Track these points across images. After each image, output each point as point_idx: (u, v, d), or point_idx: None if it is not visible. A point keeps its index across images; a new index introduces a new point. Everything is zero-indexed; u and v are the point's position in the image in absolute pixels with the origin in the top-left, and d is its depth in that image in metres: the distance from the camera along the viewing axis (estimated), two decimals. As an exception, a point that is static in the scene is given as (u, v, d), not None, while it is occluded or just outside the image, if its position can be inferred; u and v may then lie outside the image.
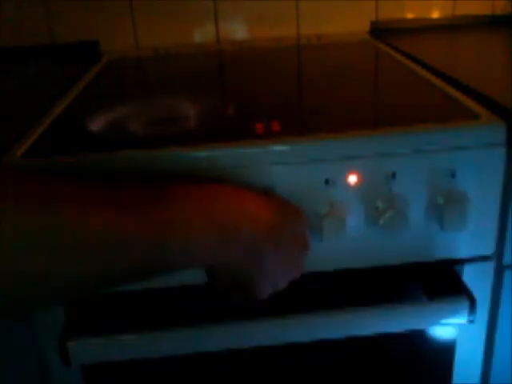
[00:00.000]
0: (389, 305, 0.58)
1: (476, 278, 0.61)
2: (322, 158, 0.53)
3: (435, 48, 0.93)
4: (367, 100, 0.69)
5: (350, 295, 0.60)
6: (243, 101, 0.70)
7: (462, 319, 0.59)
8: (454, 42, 0.99)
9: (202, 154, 0.53)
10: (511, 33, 0.99)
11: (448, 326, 0.64)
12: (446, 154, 0.54)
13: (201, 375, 0.65)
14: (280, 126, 0.57)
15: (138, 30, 1.02)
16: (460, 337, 0.64)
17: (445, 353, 0.66)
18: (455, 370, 0.66)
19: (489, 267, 0.61)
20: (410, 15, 1.05)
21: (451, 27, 1.04)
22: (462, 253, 0.59)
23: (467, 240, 0.58)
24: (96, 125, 0.62)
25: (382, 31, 1.02)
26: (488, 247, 0.60)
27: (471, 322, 0.59)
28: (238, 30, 1.04)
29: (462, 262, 0.60)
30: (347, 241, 0.55)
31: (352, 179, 0.54)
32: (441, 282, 0.61)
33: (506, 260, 0.61)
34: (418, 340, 0.65)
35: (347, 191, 0.54)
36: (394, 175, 0.54)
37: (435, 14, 1.06)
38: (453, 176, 0.54)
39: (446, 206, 0.54)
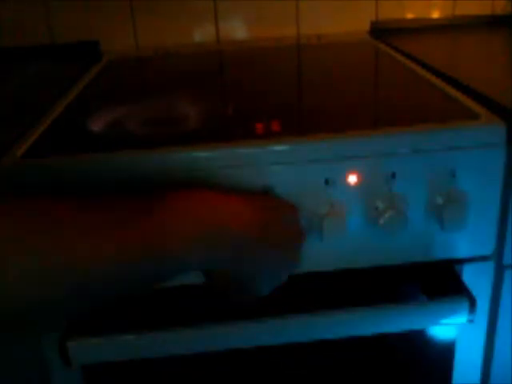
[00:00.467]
0: (389, 305, 0.58)
1: (476, 278, 0.61)
2: (322, 158, 0.53)
3: (435, 48, 0.93)
4: (367, 100, 0.69)
5: (350, 295, 0.60)
6: (243, 101, 0.70)
7: (462, 319, 0.59)
8: (454, 42, 0.99)
9: (202, 154, 0.53)
10: (511, 33, 0.99)
11: (448, 326, 0.64)
12: (446, 153, 0.54)
13: (201, 375, 0.65)
14: (280, 126, 0.57)
15: (138, 30, 1.02)
16: (460, 337, 0.64)
17: (445, 353, 0.66)
18: (455, 370, 0.66)
19: (489, 267, 0.61)
20: (410, 15, 1.05)
21: (451, 27, 1.04)
22: (462, 253, 0.59)
23: (467, 240, 0.58)
24: (96, 125, 0.62)
25: (382, 31, 1.02)
26: (488, 247, 0.60)
27: (471, 321, 0.59)
28: (237, 30, 1.04)
29: (461, 261, 0.60)
30: (347, 241, 0.55)
31: (352, 179, 0.54)
32: (441, 282, 0.61)
33: (506, 260, 0.61)
34: (418, 340, 0.65)
35: (347, 191, 0.54)
36: (393, 175, 0.54)
37: (435, 14, 1.06)
38: (453, 176, 0.54)
39: (446, 206, 0.54)
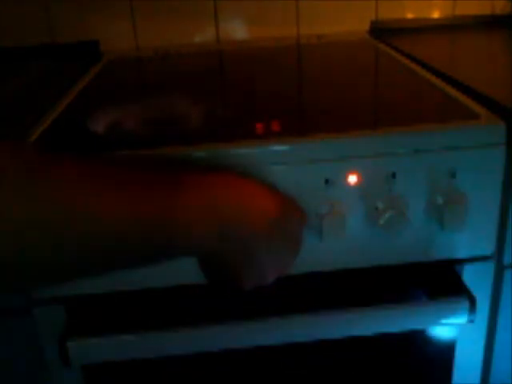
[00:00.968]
0: (389, 305, 0.58)
1: (476, 278, 0.61)
2: (322, 157, 0.53)
3: (435, 48, 0.93)
4: (367, 100, 0.69)
5: (350, 295, 0.60)
6: (243, 101, 0.70)
7: (462, 319, 0.59)
8: (454, 42, 0.99)
9: (202, 154, 0.53)
10: (511, 33, 0.99)
11: (448, 326, 0.64)
12: (446, 154, 0.54)
13: (201, 375, 0.65)
14: (280, 126, 0.57)
15: (138, 30, 1.02)
16: (460, 337, 0.64)
17: (445, 353, 0.66)
18: (455, 370, 0.66)
19: (489, 267, 0.61)
20: (410, 15, 1.05)
21: (451, 27, 1.04)
22: (462, 253, 0.59)
23: (467, 240, 0.58)
24: (96, 125, 0.62)
25: (381, 31, 1.02)
26: (488, 247, 0.60)
27: (471, 321, 0.59)
28: (238, 30, 1.04)
29: (461, 262, 0.60)
30: (347, 241, 0.55)
31: (352, 179, 0.54)
32: (441, 282, 0.61)
33: (506, 260, 0.61)
34: (418, 340, 0.65)
35: (347, 191, 0.54)
36: (393, 175, 0.54)
37: (435, 14, 1.06)
38: (453, 176, 0.54)
39: (446, 206, 0.54)
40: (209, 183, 0.43)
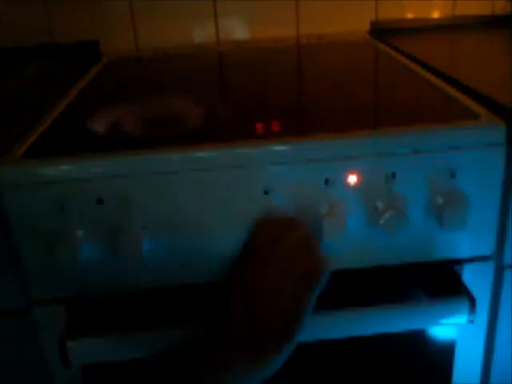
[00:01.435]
0: (389, 305, 0.58)
1: (476, 278, 0.61)
2: (322, 157, 0.53)
3: (435, 48, 0.93)
4: (367, 100, 0.68)
5: (350, 295, 0.60)
6: (243, 101, 0.70)
7: (461, 319, 0.59)
8: (454, 42, 0.99)
9: (202, 154, 0.53)
10: (511, 33, 0.99)
11: (448, 326, 0.64)
12: (446, 154, 0.54)
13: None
14: (280, 126, 0.57)
15: (138, 30, 1.02)
16: (460, 337, 0.64)
17: (445, 353, 0.66)
18: (455, 370, 0.66)
19: (489, 267, 0.61)
20: (410, 15, 1.05)
21: (451, 27, 1.04)
22: (462, 253, 0.59)
23: (467, 240, 0.58)
24: (96, 125, 0.62)
25: (382, 31, 1.02)
26: (488, 247, 0.60)
27: (471, 322, 0.59)
28: (237, 30, 1.04)
29: (461, 261, 0.60)
30: (347, 241, 0.55)
31: (352, 179, 0.54)
32: (441, 282, 0.61)
33: (506, 260, 0.61)
34: (418, 340, 0.65)
35: (347, 191, 0.54)
36: (393, 175, 0.54)
37: (435, 14, 1.06)
38: (453, 176, 0.54)
39: (446, 206, 0.54)
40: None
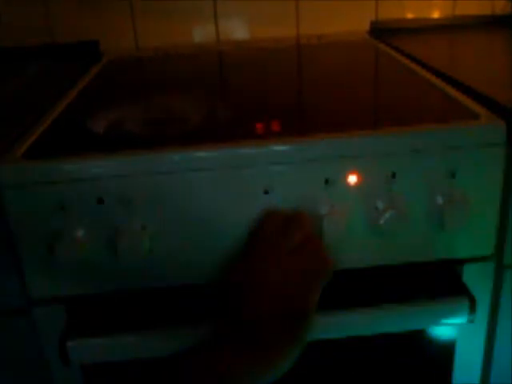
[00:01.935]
0: (389, 305, 0.58)
1: (476, 278, 0.61)
2: (322, 157, 0.53)
3: (435, 48, 0.93)
4: (367, 100, 0.68)
5: (350, 295, 0.60)
6: (243, 101, 0.70)
7: (461, 319, 0.59)
8: (454, 42, 0.99)
9: (202, 154, 0.53)
10: (511, 33, 0.99)
11: (448, 326, 0.64)
12: (446, 154, 0.54)
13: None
14: (280, 126, 0.57)
15: (138, 30, 1.02)
16: (460, 337, 0.64)
17: (445, 353, 0.66)
18: (455, 370, 0.66)
19: (489, 267, 0.61)
20: (410, 15, 1.05)
21: (451, 27, 1.04)
22: (462, 253, 0.59)
23: (467, 240, 0.58)
24: (96, 125, 0.62)
25: (381, 31, 1.02)
26: (488, 247, 0.60)
27: (471, 321, 0.59)
28: (237, 30, 1.04)
29: (462, 262, 0.60)
30: (347, 241, 0.55)
31: (352, 179, 0.54)
32: (441, 282, 0.61)
33: (506, 260, 0.61)
34: (418, 340, 0.65)
35: (347, 191, 0.54)
36: (393, 175, 0.54)
37: (435, 14, 1.06)
38: (453, 176, 0.54)
39: (446, 206, 0.54)
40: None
